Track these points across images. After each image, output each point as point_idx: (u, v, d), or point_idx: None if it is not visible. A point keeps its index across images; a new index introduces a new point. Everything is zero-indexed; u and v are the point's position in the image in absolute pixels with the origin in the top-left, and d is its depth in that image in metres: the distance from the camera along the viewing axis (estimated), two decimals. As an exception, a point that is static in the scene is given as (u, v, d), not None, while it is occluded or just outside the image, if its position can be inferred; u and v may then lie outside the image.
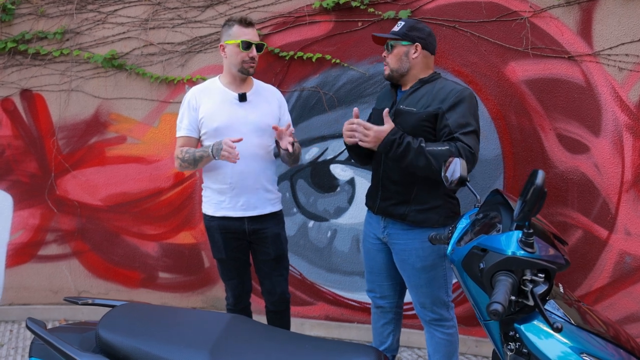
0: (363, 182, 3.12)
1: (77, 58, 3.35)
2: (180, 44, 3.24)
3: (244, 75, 2.42)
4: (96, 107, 3.38)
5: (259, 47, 2.40)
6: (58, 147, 3.43)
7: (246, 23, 2.36)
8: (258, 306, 3.03)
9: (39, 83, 3.39)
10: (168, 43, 3.26)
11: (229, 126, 2.37)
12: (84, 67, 3.36)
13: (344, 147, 2.45)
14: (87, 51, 3.33)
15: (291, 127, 2.50)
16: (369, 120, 2.50)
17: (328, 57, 3.03)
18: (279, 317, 2.64)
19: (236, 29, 2.35)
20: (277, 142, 2.51)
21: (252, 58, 2.37)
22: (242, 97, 2.40)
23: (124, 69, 3.30)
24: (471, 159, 2.05)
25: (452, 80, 2.31)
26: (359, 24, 2.98)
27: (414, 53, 2.22)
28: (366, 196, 2.45)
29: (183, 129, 2.45)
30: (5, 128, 3.44)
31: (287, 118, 2.57)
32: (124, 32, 3.29)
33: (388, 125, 2.09)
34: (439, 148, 2.04)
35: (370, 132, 2.09)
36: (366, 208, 2.48)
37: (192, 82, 3.22)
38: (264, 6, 3.09)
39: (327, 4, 2.94)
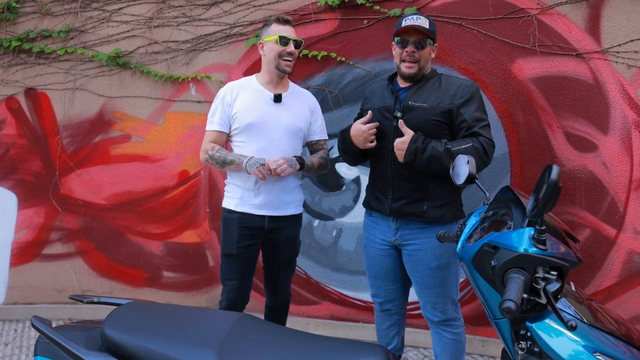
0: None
1: (81, 56, 3.34)
2: (184, 42, 3.23)
3: (281, 73, 2.40)
4: (100, 105, 3.37)
5: (297, 44, 2.40)
6: (62, 145, 3.42)
7: (283, 20, 2.40)
8: (256, 302, 3.02)
9: (43, 82, 3.39)
10: (173, 41, 3.25)
11: (261, 124, 2.37)
12: (89, 66, 3.35)
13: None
14: (92, 49, 3.32)
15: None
16: (356, 119, 2.40)
17: (333, 55, 3.02)
18: (277, 315, 2.64)
19: (274, 27, 2.38)
20: (307, 146, 2.54)
21: (290, 53, 2.37)
22: (278, 98, 2.40)
23: (128, 67, 3.29)
24: (492, 151, 2.14)
25: (454, 75, 2.32)
26: (365, 21, 2.96)
27: (433, 52, 2.28)
28: (368, 201, 2.37)
29: (215, 123, 2.44)
30: (9, 127, 3.43)
31: (319, 123, 2.55)
32: (128, 31, 3.28)
33: (408, 135, 2.10)
34: (464, 146, 2.06)
35: (400, 145, 2.11)
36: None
37: (196, 81, 3.21)
38: (268, 4, 3.08)
39: (333, 2, 2.93)
